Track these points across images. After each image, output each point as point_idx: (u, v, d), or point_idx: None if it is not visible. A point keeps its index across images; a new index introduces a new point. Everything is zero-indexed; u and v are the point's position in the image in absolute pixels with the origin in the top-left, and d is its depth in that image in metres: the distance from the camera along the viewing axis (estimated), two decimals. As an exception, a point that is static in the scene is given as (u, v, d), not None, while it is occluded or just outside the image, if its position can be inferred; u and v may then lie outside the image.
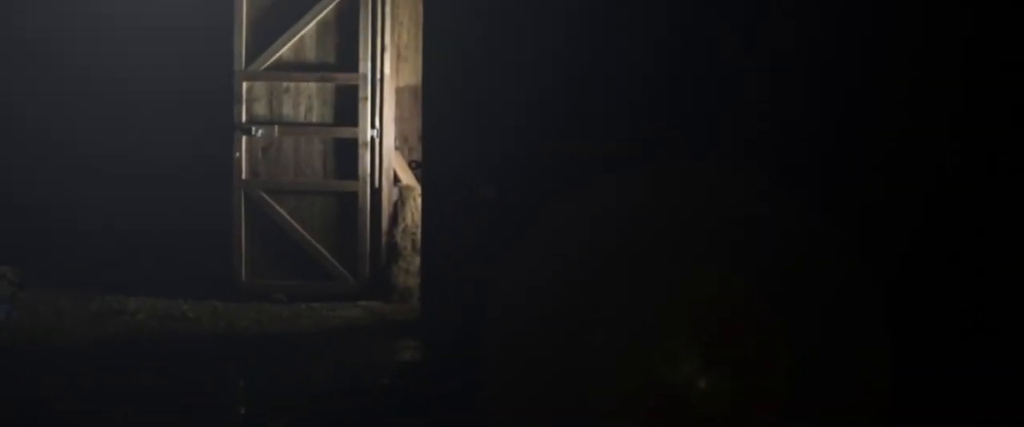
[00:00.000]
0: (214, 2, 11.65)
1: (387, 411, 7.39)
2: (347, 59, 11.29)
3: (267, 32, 11.29)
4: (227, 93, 11.35)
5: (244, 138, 11.32)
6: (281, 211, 11.37)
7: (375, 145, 11.32)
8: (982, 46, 5.18)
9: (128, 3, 11.98)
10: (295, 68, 11.38)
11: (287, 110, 11.41)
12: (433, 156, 7.69)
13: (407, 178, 11.76)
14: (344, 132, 11.32)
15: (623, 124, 5.41)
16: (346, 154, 11.34)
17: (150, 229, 11.83)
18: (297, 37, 11.30)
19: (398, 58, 11.91)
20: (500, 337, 4.47)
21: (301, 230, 11.35)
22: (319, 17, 11.25)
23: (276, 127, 11.35)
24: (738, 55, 5.37)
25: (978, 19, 5.21)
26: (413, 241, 11.38)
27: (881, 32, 5.29)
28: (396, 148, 11.76)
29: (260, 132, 11.31)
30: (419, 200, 10.75)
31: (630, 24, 5.51)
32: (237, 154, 11.31)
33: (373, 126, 11.28)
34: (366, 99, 11.22)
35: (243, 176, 11.34)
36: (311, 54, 11.38)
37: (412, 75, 12.00)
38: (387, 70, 11.41)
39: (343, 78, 11.28)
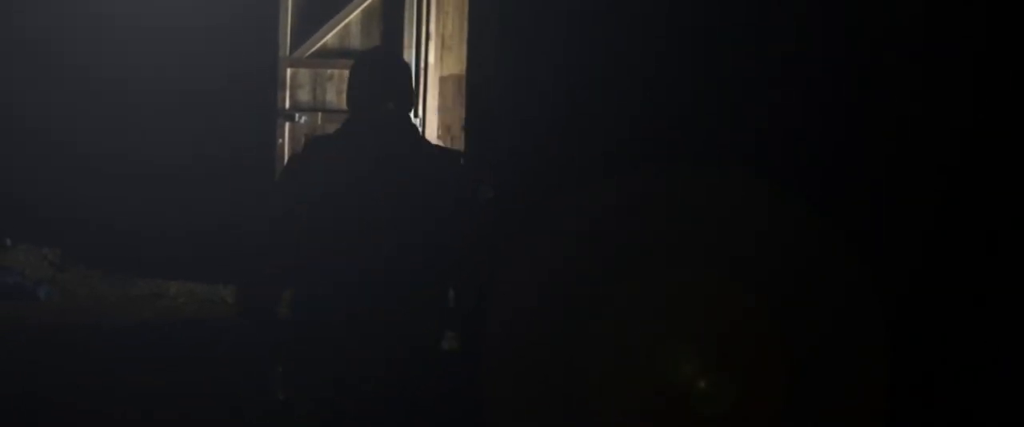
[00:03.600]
0: (214, 2, 11.62)
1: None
2: (392, 47, 11.23)
3: (312, 19, 11.27)
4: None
5: (287, 124, 11.30)
6: (323, 198, 11.32)
7: (418, 134, 11.26)
8: (990, 46, 5.12)
9: (128, 3, 11.92)
10: (339, 55, 11.34)
11: (330, 97, 11.39)
12: (475, 147, 7.62)
13: (449, 168, 11.69)
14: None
15: (624, 124, 5.37)
16: (389, 142, 11.28)
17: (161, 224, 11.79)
18: (342, 24, 11.27)
19: (442, 47, 11.85)
20: (498, 335, 4.43)
21: (342, 218, 11.31)
22: (364, 5, 11.22)
23: (319, 114, 11.32)
24: (741, 56, 5.31)
25: (986, 18, 5.15)
26: (452, 230, 11.32)
27: (886, 31, 5.24)
28: (439, 138, 11.71)
29: (303, 119, 11.29)
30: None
31: (633, 24, 5.46)
32: (280, 140, 11.30)
33: (416, 115, 11.23)
34: (410, 88, 11.16)
35: (285, 163, 11.32)
36: (356, 41, 11.35)
37: (456, 64, 11.94)
38: (431, 59, 11.36)
39: (387, 66, 11.21)
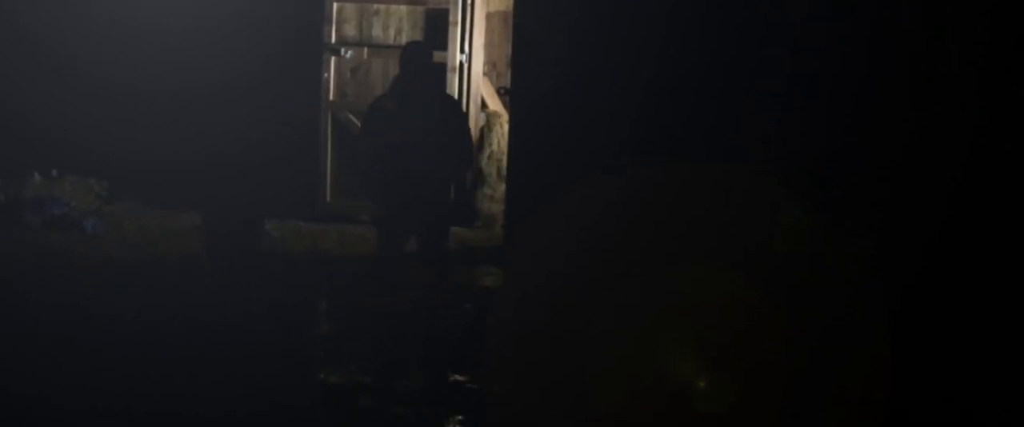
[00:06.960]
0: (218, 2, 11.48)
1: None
2: (438, -18, 11.19)
3: (359, -47, 11.23)
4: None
5: (333, 59, 11.28)
6: (368, 133, 11.31)
7: (464, 70, 11.23)
8: (997, 44, 5.06)
9: (130, 3, 11.78)
10: (386, -10, 11.30)
11: (376, 32, 11.36)
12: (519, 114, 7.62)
13: (494, 104, 11.67)
14: (433, 56, 11.22)
15: (629, 118, 5.36)
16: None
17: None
18: (389, -41, 11.22)
19: (489, -17, 11.79)
20: (501, 331, 4.46)
21: (387, 153, 11.29)
22: (412, -60, 11.17)
23: (365, 49, 11.29)
24: (751, 55, 5.28)
25: (993, 16, 5.08)
26: (499, 168, 11.31)
27: (892, 30, 5.20)
28: (484, 74, 11.67)
29: (349, 54, 11.27)
30: (506, 126, 10.68)
31: (643, 20, 5.45)
32: (326, 75, 11.28)
33: (462, 51, 11.19)
34: (456, 23, 11.12)
35: (330, 97, 11.31)
36: (403, -24, 11.30)
37: (502, 1, 11.88)
38: (478, -6, 11.30)
39: (433, 2, 11.19)
